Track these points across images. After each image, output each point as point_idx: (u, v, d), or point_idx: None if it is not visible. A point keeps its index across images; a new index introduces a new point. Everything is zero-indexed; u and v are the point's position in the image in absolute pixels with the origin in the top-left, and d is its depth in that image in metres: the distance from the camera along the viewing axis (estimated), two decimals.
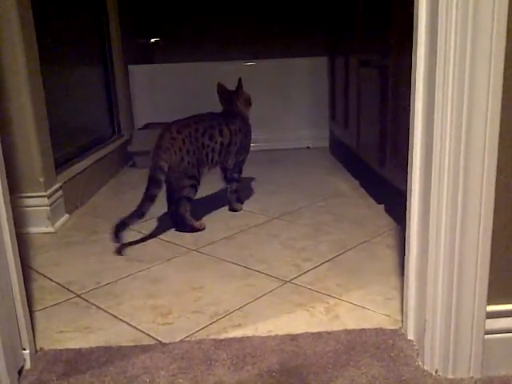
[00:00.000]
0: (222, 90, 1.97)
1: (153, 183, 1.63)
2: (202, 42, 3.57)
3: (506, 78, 0.82)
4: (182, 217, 1.74)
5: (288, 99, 3.25)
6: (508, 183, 0.89)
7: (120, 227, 1.56)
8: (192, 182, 1.72)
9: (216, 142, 1.78)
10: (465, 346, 0.91)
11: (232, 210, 1.98)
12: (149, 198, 1.61)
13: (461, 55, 0.81)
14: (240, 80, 1.94)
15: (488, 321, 0.91)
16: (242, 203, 2.05)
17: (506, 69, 0.82)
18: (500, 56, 0.81)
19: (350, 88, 2.41)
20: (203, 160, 1.75)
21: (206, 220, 1.85)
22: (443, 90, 0.84)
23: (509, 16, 0.80)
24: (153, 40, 3.50)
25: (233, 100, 1.94)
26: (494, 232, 0.87)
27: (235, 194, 1.98)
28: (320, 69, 3.13)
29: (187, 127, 1.72)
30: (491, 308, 0.92)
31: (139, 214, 1.59)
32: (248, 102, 1.97)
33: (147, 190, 1.63)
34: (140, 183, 2.54)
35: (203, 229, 1.77)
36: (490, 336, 0.92)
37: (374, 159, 1.98)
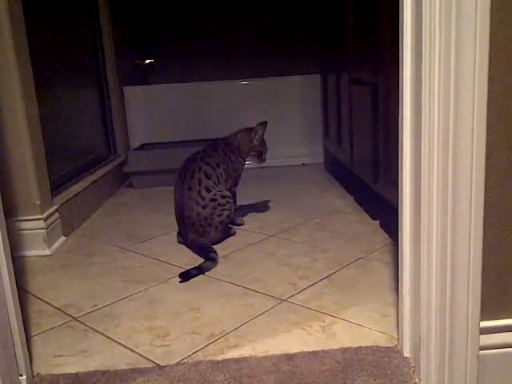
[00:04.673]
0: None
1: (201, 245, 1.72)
2: (196, 62, 3.61)
3: (490, 91, 0.84)
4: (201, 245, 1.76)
5: (283, 117, 3.28)
6: (496, 199, 0.90)
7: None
8: None
9: (222, 176, 1.84)
10: (460, 362, 0.92)
11: (236, 225, 2.02)
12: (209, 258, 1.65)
13: (445, 75, 0.83)
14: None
15: (482, 337, 0.92)
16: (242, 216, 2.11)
17: (489, 82, 0.84)
18: (483, 74, 0.83)
19: (343, 105, 2.44)
20: (216, 206, 1.79)
21: None
22: (429, 108, 0.86)
23: (491, 37, 0.82)
24: (147, 61, 3.54)
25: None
26: (484, 247, 0.88)
27: (236, 211, 2.02)
28: (313, 86, 3.17)
29: (195, 183, 1.76)
30: (485, 324, 0.92)
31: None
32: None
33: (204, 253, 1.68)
34: (136, 203, 2.58)
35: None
36: (484, 352, 0.92)
37: (367, 175, 1.99)
